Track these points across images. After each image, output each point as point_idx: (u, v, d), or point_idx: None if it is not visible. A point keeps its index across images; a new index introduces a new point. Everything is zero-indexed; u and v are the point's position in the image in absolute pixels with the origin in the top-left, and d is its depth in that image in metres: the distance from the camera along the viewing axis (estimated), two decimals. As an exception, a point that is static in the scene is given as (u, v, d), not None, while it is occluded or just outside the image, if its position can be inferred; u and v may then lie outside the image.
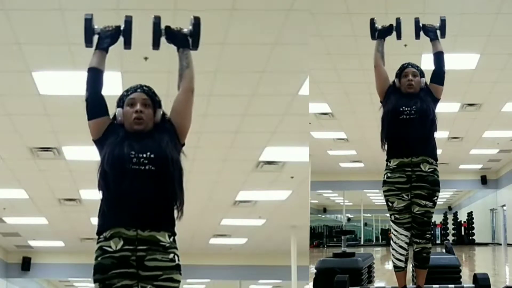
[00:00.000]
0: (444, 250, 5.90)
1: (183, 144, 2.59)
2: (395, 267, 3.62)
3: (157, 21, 2.63)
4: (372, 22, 3.71)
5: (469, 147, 15.10)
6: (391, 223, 3.60)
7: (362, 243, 26.01)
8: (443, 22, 3.67)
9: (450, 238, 24.33)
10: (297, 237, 11.73)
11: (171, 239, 2.43)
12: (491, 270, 9.45)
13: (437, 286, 4.12)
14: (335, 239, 23.38)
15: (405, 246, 3.56)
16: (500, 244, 21.00)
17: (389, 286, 5.23)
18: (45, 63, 6.05)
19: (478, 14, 7.14)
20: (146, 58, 5.95)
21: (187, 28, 2.68)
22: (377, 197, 25.25)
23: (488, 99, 10.50)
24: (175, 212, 2.47)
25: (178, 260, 2.43)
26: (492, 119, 12.00)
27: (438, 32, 3.67)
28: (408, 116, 3.52)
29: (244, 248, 13.72)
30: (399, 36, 3.70)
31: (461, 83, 9.27)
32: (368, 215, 29.80)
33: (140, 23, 5.88)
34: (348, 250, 5.34)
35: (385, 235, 25.93)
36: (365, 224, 29.53)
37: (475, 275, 4.22)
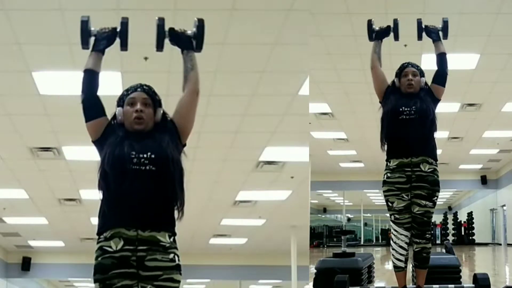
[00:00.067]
0: (444, 250, 5.90)
1: (185, 145, 2.59)
2: (395, 267, 3.62)
3: (161, 23, 2.63)
4: (370, 23, 3.71)
5: (469, 147, 15.10)
6: (391, 223, 3.60)
7: (362, 243, 26.02)
8: (445, 23, 3.68)
9: (450, 238, 24.33)
10: (297, 237, 11.73)
11: (171, 239, 2.43)
12: (491, 270, 9.44)
13: (437, 286, 4.12)
14: (335, 239, 23.38)
15: (405, 246, 3.56)
16: (500, 244, 21.00)
17: (389, 286, 5.23)
18: (45, 63, 6.05)
19: (478, 14, 7.14)
20: (146, 58, 5.96)
21: (190, 29, 2.68)
22: (377, 197, 25.25)
23: (488, 99, 10.50)
24: (176, 212, 2.47)
25: (178, 260, 2.43)
26: (492, 119, 12.00)
27: (441, 33, 3.67)
28: (408, 116, 3.51)
29: (244, 248, 13.72)
30: (396, 37, 3.70)
31: (461, 83, 9.27)
32: (368, 215, 29.81)
33: (140, 23, 5.88)
34: (348, 250, 5.34)
35: (385, 235, 25.93)
36: (365, 224, 29.53)
37: (475, 275, 4.22)
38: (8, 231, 12.48)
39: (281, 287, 16.41)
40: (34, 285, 16.86)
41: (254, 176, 9.21)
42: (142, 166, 2.41)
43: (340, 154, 15.85)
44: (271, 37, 5.79)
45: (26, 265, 14.10)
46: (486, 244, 22.21)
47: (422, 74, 3.65)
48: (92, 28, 2.62)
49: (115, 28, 2.63)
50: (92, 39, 2.61)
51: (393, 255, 3.60)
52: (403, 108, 3.52)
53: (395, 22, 3.69)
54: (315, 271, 4.74)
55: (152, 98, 2.57)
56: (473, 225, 23.75)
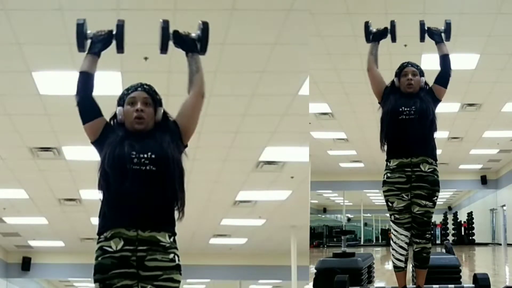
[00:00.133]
0: (444, 250, 5.90)
1: (186, 146, 2.59)
2: (395, 267, 3.62)
3: (165, 25, 2.61)
4: (367, 25, 3.72)
5: (469, 147, 15.10)
6: (391, 223, 3.60)
7: (362, 243, 26.02)
8: (448, 25, 3.68)
9: (450, 238, 24.34)
10: (297, 237, 11.73)
11: (171, 239, 2.43)
12: (491, 270, 9.45)
13: (437, 286, 4.12)
14: (335, 239, 23.38)
15: (405, 246, 3.56)
16: (500, 244, 21.00)
17: (389, 286, 5.24)
18: (45, 63, 6.05)
19: (478, 14, 7.14)
20: (146, 58, 5.96)
21: (193, 32, 2.67)
22: (377, 197, 25.27)
23: (488, 99, 10.50)
24: (176, 212, 2.47)
25: (178, 260, 2.43)
26: (492, 119, 12.00)
27: (443, 35, 3.67)
28: (407, 116, 3.51)
29: (244, 248, 13.72)
30: (393, 39, 3.70)
31: (461, 83, 9.27)
32: (368, 215, 29.82)
33: (140, 23, 5.89)
34: (348, 250, 5.34)
35: (385, 235, 25.94)
36: (365, 224, 29.54)
37: (475, 275, 4.22)
38: (8, 231, 12.48)
39: (281, 287, 16.42)
40: (34, 285, 16.86)
41: (254, 176, 9.21)
42: (143, 166, 2.41)
43: (340, 154, 15.85)
44: (271, 37, 5.79)
45: (26, 265, 14.10)
46: (486, 244, 22.22)
47: (421, 73, 3.65)
48: (89, 31, 2.61)
49: (111, 31, 2.62)
50: (89, 42, 2.60)
51: (393, 255, 3.60)
52: (403, 108, 3.52)
53: (392, 23, 3.70)
54: (315, 271, 4.74)
55: (153, 98, 2.57)
56: (473, 225, 23.76)
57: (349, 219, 30.89)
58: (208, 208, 10.35)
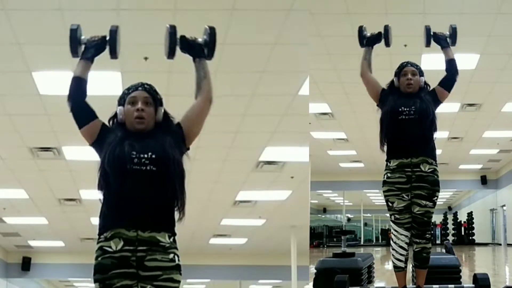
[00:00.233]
0: (444, 250, 5.90)
1: (188, 149, 2.58)
2: (395, 267, 3.62)
3: (173, 30, 2.60)
4: (360, 29, 3.72)
5: (469, 147, 15.10)
6: (391, 223, 3.60)
7: (362, 243, 26.02)
8: (454, 30, 3.68)
9: (450, 238, 24.34)
10: (297, 237, 11.73)
11: (171, 240, 2.43)
12: (491, 270, 9.45)
13: (437, 286, 4.12)
14: (335, 239, 23.38)
15: (405, 246, 3.56)
16: (500, 244, 21.00)
17: (389, 286, 5.24)
18: (45, 63, 6.05)
19: (478, 14, 7.14)
20: (146, 58, 5.96)
21: (200, 37, 2.67)
22: (377, 197, 25.26)
23: (488, 99, 10.50)
24: (176, 213, 2.47)
25: (178, 260, 2.43)
26: (492, 119, 12.00)
27: (449, 39, 3.67)
28: (407, 117, 3.51)
29: (244, 248, 13.72)
30: (387, 43, 3.69)
31: (461, 83, 9.15)
32: (368, 215, 29.82)
33: (140, 23, 5.90)
34: (348, 250, 5.35)
35: (385, 235, 25.93)
36: (365, 224, 29.54)
37: (475, 275, 4.22)
38: (8, 231, 12.47)
39: (281, 287, 16.41)
40: (34, 285, 16.86)
41: (254, 176, 9.21)
42: (143, 166, 2.41)
43: (340, 154, 15.85)
44: (271, 37, 5.79)
45: (26, 265, 14.09)
46: (486, 244, 22.21)
47: (421, 73, 3.64)
48: (82, 37, 2.61)
49: (104, 37, 2.62)
50: (83, 47, 2.60)
51: (393, 255, 3.60)
52: (403, 108, 3.52)
53: (386, 28, 3.69)
54: (315, 271, 4.74)
55: (153, 97, 2.56)
56: (473, 225, 23.76)
57: (349, 219, 30.89)
58: (208, 208, 10.35)
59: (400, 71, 3.64)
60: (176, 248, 2.44)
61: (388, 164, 3.58)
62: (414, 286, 3.90)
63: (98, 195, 2.47)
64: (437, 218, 24.35)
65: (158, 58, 5.83)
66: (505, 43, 7.96)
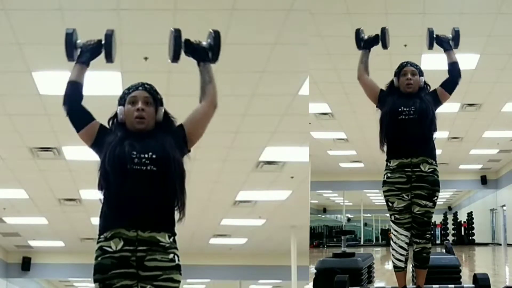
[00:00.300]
0: (444, 250, 5.90)
1: (189, 151, 2.58)
2: (395, 267, 3.62)
3: (177, 34, 2.59)
4: (358, 32, 3.72)
5: (469, 147, 15.10)
6: (391, 223, 3.60)
7: (362, 243, 26.02)
8: (457, 32, 3.68)
9: (450, 238, 24.34)
10: (297, 237, 11.73)
11: (171, 240, 2.43)
12: (491, 270, 9.45)
13: (437, 286, 4.12)
14: (335, 239, 23.38)
15: (405, 246, 3.56)
16: (500, 244, 21.00)
17: (389, 286, 5.24)
18: (45, 63, 6.05)
19: (478, 14, 7.14)
20: (146, 58, 5.96)
21: (204, 40, 2.67)
22: (377, 197, 25.26)
23: (488, 99, 10.50)
24: (177, 213, 2.47)
25: (178, 260, 2.43)
26: (492, 119, 12.00)
27: (452, 42, 3.67)
28: (407, 117, 3.51)
29: (244, 248, 13.72)
30: (384, 46, 3.69)
31: (461, 83, 9.19)
32: (368, 215, 29.82)
33: (140, 23, 5.89)
34: (348, 250, 5.35)
35: (385, 235, 25.94)
36: (365, 224, 29.54)
37: (475, 275, 4.22)
38: (8, 231, 12.47)
39: (281, 287, 16.42)
40: (34, 285, 16.86)
41: (254, 176, 9.21)
42: (143, 166, 2.41)
43: (340, 154, 15.84)
44: (271, 37, 5.79)
45: (26, 265, 14.09)
46: (486, 244, 22.21)
47: (421, 73, 3.64)
48: (78, 41, 2.61)
49: (100, 41, 2.62)
50: (78, 51, 2.59)
51: (393, 255, 3.60)
52: (402, 108, 3.52)
53: (383, 30, 3.68)
54: (315, 271, 4.74)
55: (154, 97, 2.56)
56: (473, 225, 23.75)
57: (349, 219, 30.88)
58: (208, 208, 10.35)
59: (400, 71, 3.64)
60: (176, 248, 2.44)
61: (388, 164, 3.58)
62: (414, 286, 3.90)
63: (98, 195, 2.47)
64: (437, 218, 24.35)
65: (158, 58, 5.87)
66: (505, 43, 7.96)
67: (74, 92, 2.56)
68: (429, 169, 3.51)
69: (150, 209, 2.40)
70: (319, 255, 13.89)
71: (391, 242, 3.62)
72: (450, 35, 3.70)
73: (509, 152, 15.93)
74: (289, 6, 5.42)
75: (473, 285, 4.16)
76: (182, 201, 2.46)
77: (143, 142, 2.46)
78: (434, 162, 3.55)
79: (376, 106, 3.67)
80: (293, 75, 6.51)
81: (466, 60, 8.42)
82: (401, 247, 3.55)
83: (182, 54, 2.64)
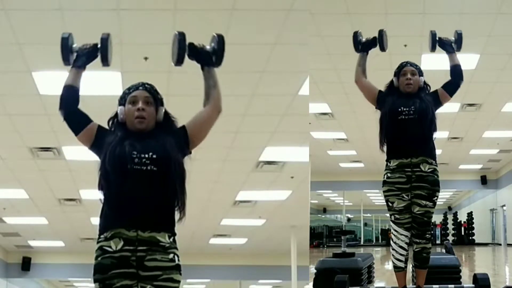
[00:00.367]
0: (444, 250, 5.90)
1: (190, 152, 2.58)
2: (395, 267, 3.62)
3: (182, 37, 2.58)
4: (356, 35, 3.71)
5: (469, 147, 15.10)
6: (391, 223, 3.60)
7: (362, 243, 26.02)
8: (459, 35, 3.68)
9: (450, 238, 24.34)
10: (297, 237, 11.73)
11: (171, 240, 2.43)
12: (491, 270, 9.45)
13: (437, 286, 4.12)
14: (335, 239, 23.38)
15: (405, 246, 3.56)
16: (500, 244, 21.00)
17: (389, 286, 5.24)
18: (45, 63, 6.05)
19: (478, 14, 7.14)
20: (146, 58, 5.96)
21: (208, 44, 2.67)
22: (377, 197, 25.26)
23: (488, 99, 10.50)
24: (177, 213, 2.47)
25: (178, 260, 2.43)
26: (492, 119, 12.00)
27: (454, 45, 3.67)
28: (406, 117, 3.51)
29: (244, 248, 13.72)
30: (382, 48, 3.68)
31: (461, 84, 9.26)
32: (368, 215, 29.82)
33: (140, 23, 5.88)
34: (348, 250, 5.35)
35: (385, 235, 25.94)
36: (365, 224, 29.54)
37: (475, 275, 4.22)
38: (8, 231, 12.47)
39: (281, 287, 16.42)
40: (34, 285, 16.86)
41: (254, 176, 9.21)
42: (144, 166, 2.41)
43: (340, 154, 15.84)
44: (271, 37, 5.79)
45: (26, 265, 14.09)
46: (486, 244, 22.21)
47: (421, 73, 3.64)
48: (74, 45, 2.61)
49: (96, 44, 2.61)
50: (75, 55, 2.59)
51: (393, 255, 3.60)
52: (402, 108, 3.52)
53: (380, 33, 3.68)
54: (315, 271, 4.74)
55: (154, 97, 2.56)
56: (473, 225, 23.75)
57: (349, 219, 30.88)
58: (208, 208, 10.35)
59: (400, 71, 3.65)
60: (176, 248, 2.44)
61: (388, 164, 3.58)
62: (414, 286, 3.91)
63: (98, 195, 2.47)
64: (437, 218, 24.35)
65: (158, 58, 5.87)
66: (505, 43, 7.96)
67: (70, 96, 2.55)
68: (429, 169, 3.52)
69: (150, 209, 2.40)
70: (319, 255, 13.89)
71: (391, 242, 3.62)
72: (453, 38, 3.70)
73: (509, 152, 15.93)
74: (289, 6, 5.42)
75: (473, 285, 4.16)
76: (182, 201, 2.47)
77: (143, 142, 2.46)
78: (434, 162, 3.55)
79: (376, 108, 3.67)
80: (293, 75, 6.51)
81: (466, 60, 8.42)
82: (401, 247, 3.55)
83: (185, 57, 2.64)
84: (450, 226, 25.38)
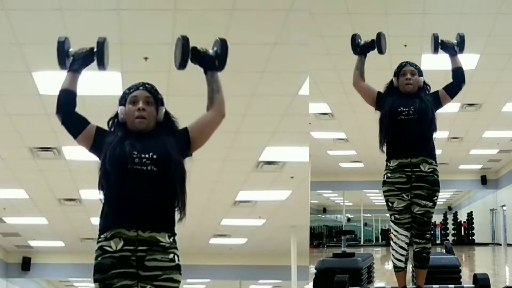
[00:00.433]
0: (444, 250, 5.91)
1: (191, 155, 2.58)
2: (395, 267, 3.62)
3: (185, 42, 2.57)
4: (354, 37, 3.71)
5: (469, 147, 15.10)
6: (391, 223, 3.60)
7: (362, 243, 26.02)
8: (461, 38, 3.67)
9: (450, 238, 24.34)
10: (297, 237, 11.73)
11: (171, 240, 2.43)
12: (491, 270, 9.45)
13: (437, 286, 4.12)
14: (335, 239, 23.38)
15: (405, 246, 3.56)
16: (500, 244, 21.00)
17: (389, 286, 5.24)
18: (45, 63, 6.04)
19: (478, 14, 7.14)
20: (146, 58, 5.96)
21: (211, 48, 2.67)
22: (377, 197, 25.26)
23: (488, 99, 10.50)
24: (177, 213, 2.47)
25: (178, 260, 2.43)
26: (492, 119, 12.00)
27: (457, 48, 3.67)
28: (406, 117, 3.51)
29: (244, 248, 13.72)
30: (380, 51, 3.67)
31: (461, 84, 9.25)
32: (368, 215, 29.82)
33: (140, 23, 5.88)
34: (348, 250, 5.35)
35: (385, 235, 25.94)
36: (365, 224, 29.54)
37: (475, 275, 4.22)
38: (8, 231, 12.47)
39: (281, 287, 16.42)
40: (34, 285, 16.86)
41: (254, 176, 9.21)
42: (144, 166, 2.41)
43: (340, 154, 15.84)
44: (271, 37, 5.79)
45: (26, 265, 14.09)
46: (486, 244, 22.21)
47: (420, 73, 3.64)
48: (70, 49, 2.60)
49: (92, 48, 2.60)
50: (71, 59, 2.59)
51: (393, 255, 3.60)
52: (402, 108, 3.52)
53: (378, 36, 3.67)
54: (315, 271, 4.74)
55: (154, 97, 2.56)
56: (473, 225, 23.75)
57: (349, 219, 30.88)
58: (208, 208, 10.35)
59: (399, 71, 3.65)
60: (176, 248, 2.44)
61: (388, 164, 3.58)
62: (414, 286, 3.91)
63: (98, 195, 2.47)
64: (437, 218, 24.35)
65: (158, 58, 5.87)
66: (505, 43, 7.96)
67: (66, 100, 2.55)
68: (429, 169, 3.52)
69: (151, 209, 2.40)
70: (319, 255, 13.89)
71: (391, 242, 3.62)
72: (455, 41, 3.69)
73: (509, 152, 15.93)
74: (289, 6, 5.42)
75: (473, 285, 4.16)
76: (182, 201, 2.47)
77: (144, 142, 2.46)
78: (434, 162, 3.55)
79: (375, 109, 3.67)
80: (293, 75, 6.51)
81: (466, 60, 8.40)
82: (401, 247, 3.55)
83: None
84: (450, 226, 25.38)
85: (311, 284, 5.16)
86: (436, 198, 3.54)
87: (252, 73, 6.38)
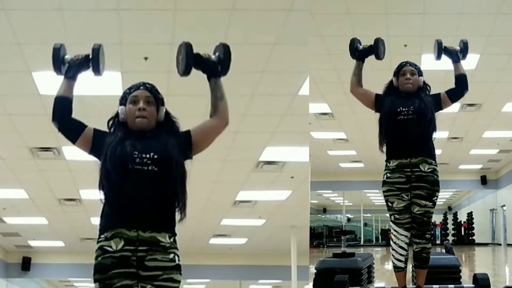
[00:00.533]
0: (444, 250, 5.91)
1: (191, 158, 2.58)
2: (395, 267, 3.62)
3: (189, 49, 2.56)
4: (353, 42, 3.71)
5: (469, 147, 15.10)
6: (391, 223, 3.60)
7: (362, 243, 26.02)
8: (465, 44, 3.68)
9: (450, 238, 24.34)
10: (297, 237, 11.73)
11: (172, 240, 2.43)
12: (491, 270, 9.45)
13: (437, 286, 4.13)
14: (335, 239, 23.38)
15: (405, 246, 3.56)
16: (500, 244, 21.00)
17: (389, 286, 5.24)
18: (45, 63, 5.99)
19: (478, 14, 7.14)
20: (146, 58, 5.96)
21: (213, 55, 2.67)
22: (377, 197, 25.26)
23: (488, 99, 10.50)
24: (178, 214, 2.47)
25: (178, 260, 2.43)
26: (492, 119, 12.00)
27: (460, 54, 3.67)
28: (406, 117, 3.51)
29: (244, 248, 13.72)
30: (378, 57, 3.66)
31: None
32: (368, 215, 29.81)
33: (140, 23, 5.88)
34: (348, 250, 5.35)
35: (385, 235, 25.94)
36: (365, 224, 29.54)
37: (475, 275, 4.22)
38: (8, 231, 12.47)
39: (281, 287, 16.42)
40: (34, 285, 16.86)
41: (254, 176, 9.21)
42: (145, 166, 2.41)
43: (340, 154, 15.84)
44: (271, 37, 5.79)
45: (26, 265, 14.09)
46: (486, 244, 22.21)
47: (420, 73, 3.65)
48: (66, 56, 2.60)
49: (88, 55, 2.59)
50: (66, 66, 2.58)
51: (393, 255, 3.60)
52: (401, 108, 3.52)
53: (376, 41, 3.67)
54: (315, 271, 4.74)
55: (155, 97, 2.56)
56: (473, 225, 23.76)
57: (349, 219, 30.88)
58: (208, 208, 10.35)
59: (399, 70, 3.65)
60: (176, 248, 2.44)
61: (388, 164, 3.58)
62: (414, 286, 3.91)
63: (98, 195, 2.47)
64: (437, 218, 24.36)
65: (158, 58, 5.87)
66: (505, 43, 7.96)
67: (62, 107, 2.53)
68: (428, 169, 3.52)
69: (151, 209, 2.40)
70: (319, 255, 13.89)
71: (391, 242, 3.62)
72: (458, 47, 3.69)
73: (509, 152, 15.93)
74: (289, 6, 5.42)
75: (473, 285, 4.16)
76: (183, 202, 2.47)
77: (144, 142, 2.46)
78: (433, 162, 3.55)
79: (375, 111, 3.67)
80: (293, 75, 6.51)
81: (466, 60, 8.41)
82: (401, 247, 3.55)
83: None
84: (450, 226, 25.38)
85: (311, 284, 5.16)
86: (436, 198, 3.54)
87: (252, 73, 6.38)
